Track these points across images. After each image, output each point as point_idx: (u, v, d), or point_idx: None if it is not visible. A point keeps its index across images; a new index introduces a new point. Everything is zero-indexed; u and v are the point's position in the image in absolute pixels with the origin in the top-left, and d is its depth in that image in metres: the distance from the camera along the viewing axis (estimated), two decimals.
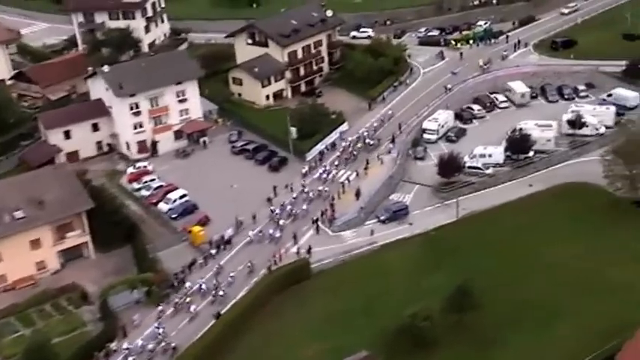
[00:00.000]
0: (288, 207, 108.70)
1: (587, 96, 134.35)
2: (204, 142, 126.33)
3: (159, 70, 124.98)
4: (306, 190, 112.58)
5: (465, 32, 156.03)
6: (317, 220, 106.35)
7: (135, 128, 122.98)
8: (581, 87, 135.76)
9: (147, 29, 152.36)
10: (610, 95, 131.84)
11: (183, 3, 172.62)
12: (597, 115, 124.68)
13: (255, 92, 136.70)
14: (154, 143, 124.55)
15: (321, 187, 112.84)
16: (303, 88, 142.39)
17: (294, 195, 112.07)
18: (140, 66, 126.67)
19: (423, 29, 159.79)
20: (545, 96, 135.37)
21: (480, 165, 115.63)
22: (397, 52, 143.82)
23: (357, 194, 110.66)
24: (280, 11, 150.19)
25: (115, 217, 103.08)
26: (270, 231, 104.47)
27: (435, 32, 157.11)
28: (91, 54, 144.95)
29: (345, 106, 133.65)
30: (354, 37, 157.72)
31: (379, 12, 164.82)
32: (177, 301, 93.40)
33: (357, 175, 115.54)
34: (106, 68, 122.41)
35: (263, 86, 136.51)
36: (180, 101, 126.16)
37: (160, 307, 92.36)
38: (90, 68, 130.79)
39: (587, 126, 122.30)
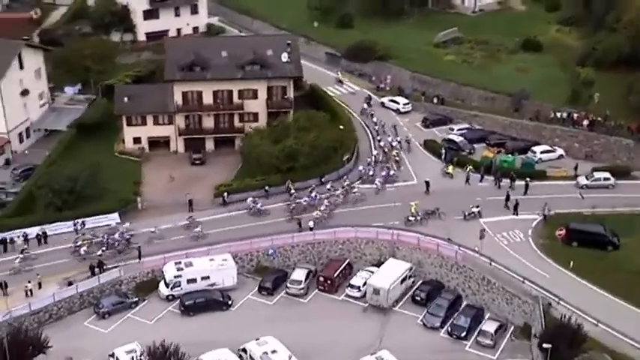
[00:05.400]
0: None
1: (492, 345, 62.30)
2: None
3: None
4: None
5: (486, 153, 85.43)
6: None
7: None
8: (491, 327, 62.93)
9: (149, 14, 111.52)
10: None
11: (282, 6, 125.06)
12: None
13: (123, 128, 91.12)
14: None
15: None
16: (210, 145, 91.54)
17: None
18: None
19: (461, 127, 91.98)
20: (430, 314, 65.79)
21: None
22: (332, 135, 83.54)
23: None
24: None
25: None
26: None
27: (459, 138, 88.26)
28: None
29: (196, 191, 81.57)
30: (382, 105, 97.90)
31: (445, 82, 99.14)
32: None
33: None
34: None
35: (129, 124, 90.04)
36: None
37: None
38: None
39: None
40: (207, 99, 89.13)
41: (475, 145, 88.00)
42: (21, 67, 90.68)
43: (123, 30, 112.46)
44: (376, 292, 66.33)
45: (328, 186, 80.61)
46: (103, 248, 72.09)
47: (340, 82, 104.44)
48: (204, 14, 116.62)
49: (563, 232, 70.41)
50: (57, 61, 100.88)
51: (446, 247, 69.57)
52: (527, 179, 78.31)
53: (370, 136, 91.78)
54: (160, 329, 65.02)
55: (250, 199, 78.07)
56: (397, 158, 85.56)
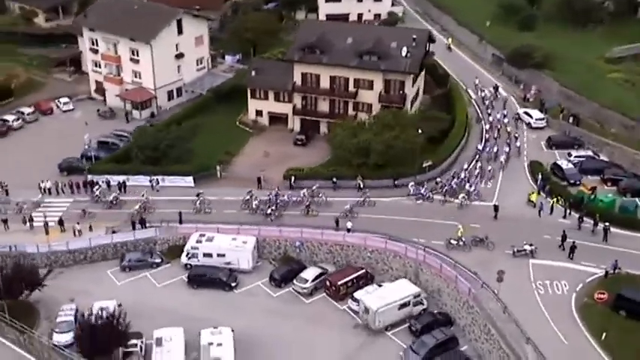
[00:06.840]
0: None
1: None
2: (128, 114, 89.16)
3: (136, 18, 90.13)
4: None
5: (582, 188, 67.61)
6: None
7: (95, 65, 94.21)
8: None
9: None
10: None
11: (475, 3, 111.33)
12: None
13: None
14: (104, 90, 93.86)
15: None
16: (324, 128, 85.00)
17: None
18: (132, 6, 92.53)
19: (580, 154, 74.71)
20: (411, 350, 53.99)
21: None
22: (407, 135, 72.33)
23: None
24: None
25: None
26: None
27: (568, 166, 71.81)
28: None
29: (277, 171, 76.57)
30: (517, 116, 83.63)
31: (589, 100, 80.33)
32: None
33: None
34: None
35: (253, 97, 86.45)
36: (133, 60, 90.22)
37: None
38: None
39: None
40: (324, 83, 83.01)
41: (589, 177, 71.84)
42: (180, 32, 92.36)
43: (307, 9, 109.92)
44: (366, 311, 57.03)
45: (465, 165, 74.36)
46: (273, 207, 69.77)
47: (449, 49, 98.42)
48: (387, 1, 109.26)
49: (604, 296, 54.44)
50: (231, 31, 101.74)
51: (462, 280, 57.48)
52: (606, 224, 61.81)
53: (483, 141, 79.75)
54: (162, 293, 62.83)
55: (411, 183, 71.55)
56: (517, 134, 79.07)
